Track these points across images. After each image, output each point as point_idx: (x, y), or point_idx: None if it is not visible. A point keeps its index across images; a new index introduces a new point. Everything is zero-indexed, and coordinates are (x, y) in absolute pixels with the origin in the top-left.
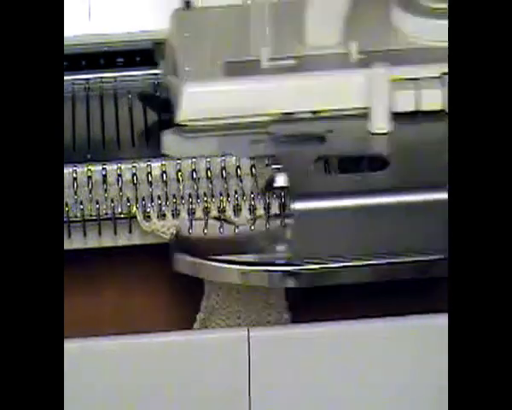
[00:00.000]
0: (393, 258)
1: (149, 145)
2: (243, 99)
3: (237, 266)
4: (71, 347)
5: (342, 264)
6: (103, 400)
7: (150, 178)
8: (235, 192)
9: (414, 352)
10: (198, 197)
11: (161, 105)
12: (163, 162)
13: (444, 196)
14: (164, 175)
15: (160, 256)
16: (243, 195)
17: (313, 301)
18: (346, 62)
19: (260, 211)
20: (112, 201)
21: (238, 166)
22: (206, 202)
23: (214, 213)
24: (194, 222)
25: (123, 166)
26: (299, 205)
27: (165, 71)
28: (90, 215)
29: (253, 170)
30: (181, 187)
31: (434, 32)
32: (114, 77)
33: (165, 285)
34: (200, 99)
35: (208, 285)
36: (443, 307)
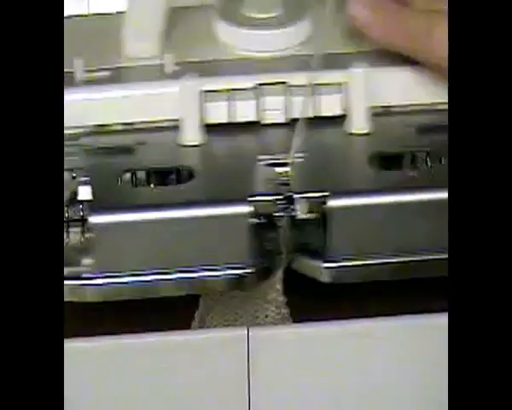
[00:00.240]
0: (201, 271)
1: None
2: None
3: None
4: (71, 347)
5: (144, 277)
6: (102, 400)
7: None
8: None
9: (414, 352)
10: None
11: None
12: None
13: (247, 208)
14: None
15: None
16: None
17: (312, 298)
18: (161, 74)
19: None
20: None
21: None
22: None
23: None
24: None
25: None
26: (99, 218)
27: None
28: None
29: None
30: None
31: (255, 43)
32: None
33: None
34: None
35: None
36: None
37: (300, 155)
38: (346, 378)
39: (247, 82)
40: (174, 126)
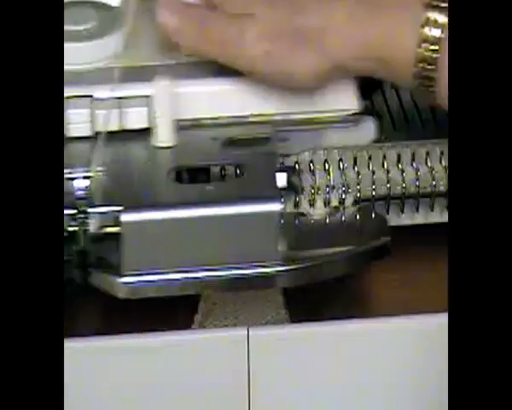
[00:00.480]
0: None
1: None
2: None
3: None
4: (71, 347)
5: None
6: (102, 400)
7: None
8: None
9: (414, 352)
10: None
11: None
12: None
13: None
14: None
15: None
16: None
17: (311, 300)
18: None
19: None
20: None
21: None
22: None
23: None
24: None
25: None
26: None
27: None
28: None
29: None
30: None
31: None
32: None
33: None
34: None
35: None
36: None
37: (101, 168)
38: (346, 378)
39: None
40: None
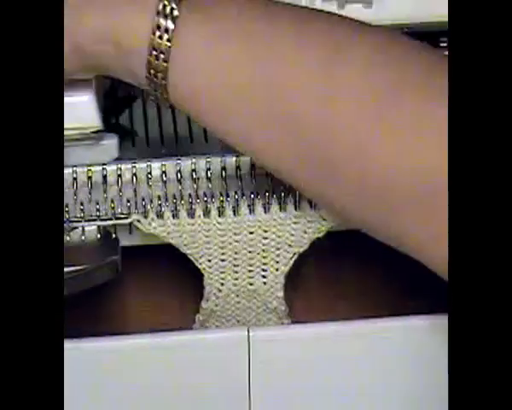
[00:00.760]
0: None
1: None
2: None
3: None
4: (71, 347)
5: None
6: (102, 400)
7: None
8: None
9: (414, 352)
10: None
11: None
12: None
13: None
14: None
15: (160, 257)
16: None
17: (314, 308)
18: None
19: None
20: (112, 201)
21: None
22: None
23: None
24: None
25: (123, 167)
26: None
27: None
28: (90, 216)
29: None
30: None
31: None
32: None
33: (164, 286)
34: None
35: (208, 287)
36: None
37: None
38: (347, 379)
39: None
40: None
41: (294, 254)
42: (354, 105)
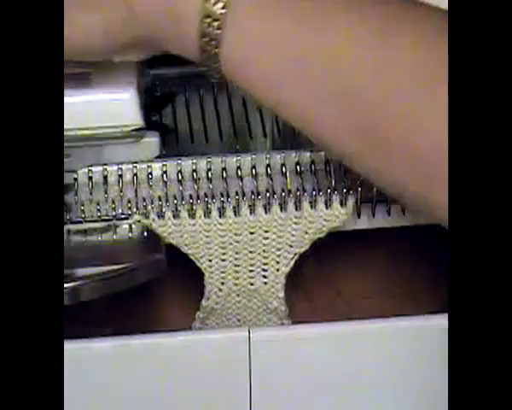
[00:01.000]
0: None
1: None
2: None
3: None
4: (71, 347)
5: None
6: (102, 400)
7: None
8: None
9: (414, 352)
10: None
11: None
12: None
13: None
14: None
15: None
16: None
17: (314, 308)
18: None
19: None
20: (113, 201)
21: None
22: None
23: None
24: None
25: (124, 167)
26: None
27: None
28: (91, 216)
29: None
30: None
31: None
32: None
33: (165, 286)
34: None
35: (209, 286)
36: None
37: None
38: (347, 379)
39: None
40: None
41: (295, 254)
42: (408, 79)
